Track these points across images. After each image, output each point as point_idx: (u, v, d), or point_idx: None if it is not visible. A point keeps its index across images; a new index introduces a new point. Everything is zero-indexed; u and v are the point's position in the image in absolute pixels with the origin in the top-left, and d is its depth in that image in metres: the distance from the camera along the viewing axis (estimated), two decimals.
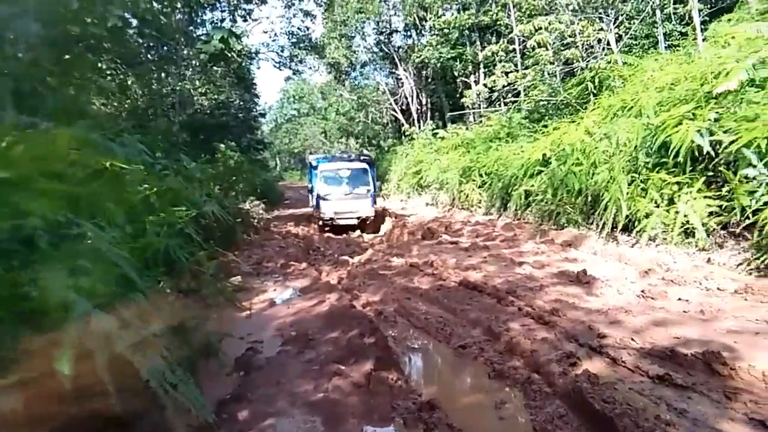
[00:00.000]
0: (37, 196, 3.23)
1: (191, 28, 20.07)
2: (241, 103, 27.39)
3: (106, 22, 8.34)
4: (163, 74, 18.18)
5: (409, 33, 33.28)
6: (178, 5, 14.81)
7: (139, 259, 4.91)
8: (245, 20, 26.45)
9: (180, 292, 5.76)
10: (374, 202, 16.37)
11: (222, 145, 17.35)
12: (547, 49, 15.42)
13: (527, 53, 18.14)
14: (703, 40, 11.88)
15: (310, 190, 18.42)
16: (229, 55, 16.12)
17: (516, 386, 4.14)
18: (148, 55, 16.39)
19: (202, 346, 4.74)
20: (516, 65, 21.03)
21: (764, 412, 3.18)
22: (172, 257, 5.56)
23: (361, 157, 18.75)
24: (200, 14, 21.96)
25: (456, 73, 28.38)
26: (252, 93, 29.72)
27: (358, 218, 15.70)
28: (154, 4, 12.53)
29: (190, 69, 20.23)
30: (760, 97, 7.07)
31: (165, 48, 17.60)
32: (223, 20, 24.52)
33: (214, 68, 20.76)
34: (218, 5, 22.98)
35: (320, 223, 16.00)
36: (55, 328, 2.55)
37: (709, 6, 15.03)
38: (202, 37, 17.54)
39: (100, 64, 10.26)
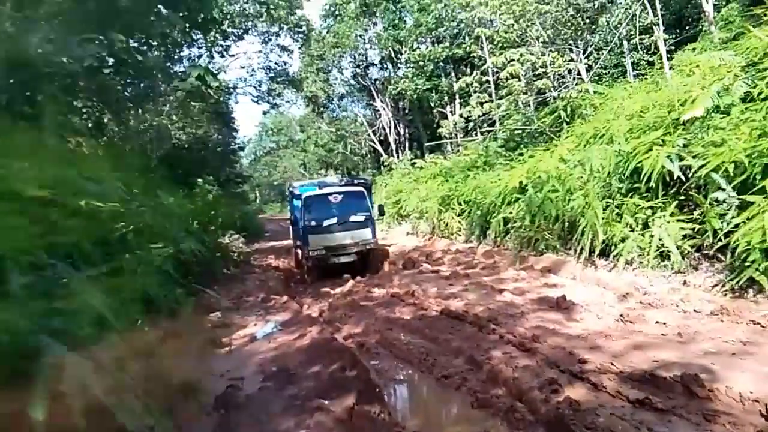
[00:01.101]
0: (9, 235, 3.19)
1: (168, 64, 20.16)
2: (220, 137, 27.43)
3: (82, 61, 8.36)
4: (140, 110, 18.17)
5: (385, 66, 33.85)
6: (154, 43, 14.88)
7: (115, 298, 4.85)
8: (222, 56, 26.77)
9: (158, 330, 5.68)
10: (375, 231, 13.11)
11: (200, 180, 17.28)
12: (520, 80, 15.77)
13: (501, 84, 18.52)
14: (670, 68, 12.28)
15: (292, 223, 15.19)
16: (206, 91, 16.17)
17: (499, 415, 4.12)
18: (125, 92, 16.39)
19: (181, 385, 4.66)
20: (490, 95, 21.44)
21: None
22: (150, 295, 5.50)
23: (356, 180, 15.19)
24: (177, 51, 22.11)
25: (432, 104, 28.86)
26: (230, 127, 29.81)
27: (357, 252, 12.54)
28: (131, 42, 12.59)
29: (168, 105, 20.24)
30: (725, 123, 7.30)
31: (142, 85, 17.62)
32: (200, 56, 24.75)
33: (192, 103, 20.82)
34: (195, 42, 23.14)
35: (309, 263, 12.84)
36: (27, 372, 2.51)
37: (674, 36, 15.57)
38: (180, 74, 17.61)
39: (75, 103, 10.24)
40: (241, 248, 15.64)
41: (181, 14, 14.86)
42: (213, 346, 6.42)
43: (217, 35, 25.12)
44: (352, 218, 12.62)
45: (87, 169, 6.88)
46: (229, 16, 25.99)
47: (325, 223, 12.45)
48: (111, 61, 12.20)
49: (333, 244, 12.40)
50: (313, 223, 12.43)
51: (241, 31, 27.94)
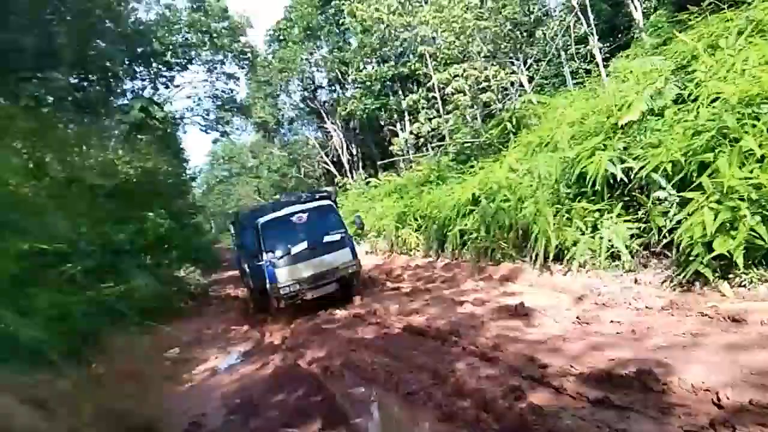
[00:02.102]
0: None
1: (111, 98, 19.78)
2: (170, 168, 26.92)
3: (17, 101, 8.14)
4: (84, 147, 17.69)
5: (333, 87, 34.06)
6: (94, 78, 14.59)
7: (64, 343, 4.69)
8: (167, 87, 26.43)
9: (112, 372, 5.52)
10: (355, 250, 11.31)
11: (151, 213, 16.89)
12: (465, 94, 16.11)
13: (447, 99, 18.86)
14: (607, 75, 12.74)
15: (241, 260, 12.88)
16: (152, 123, 15.90)
17: (466, 427, 4.15)
18: (67, 130, 15.97)
19: (139, 426, 4.52)
20: (438, 111, 21.80)
21: (697, 423, 3.33)
22: (101, 336, 5.34)
23: (317, 195, 12.74)
24: (120, 85, 21.72)
25: (382, 123, 29.15)
26: (180, 158, 29.32)
27: (339, 280, 10.58)
28: (70, 80, 12.34)
29: (113, 139, 19.79)
30: (660, 124, 7.61)
31: (85, 120, 17.21)
32: (144, 88, 24.37)
33: (138, 136, 20.43)
34: (138, 75, 22.79)
35: (280, 304, 10.81)
36: None
37: (608, 44, 16.20)
38: (123, 107, 17.30)
39: (15, 144, 9.93)
40: (198, 280, 15.37)
41: (120, 48, 14.65)
42: (172, 383, 6.26)
43: (160, 66, 24.83)
44: (326, 239, 10.63)
45: (29, 211, 6.68)
46: (171, 47, 25.74)
47: (294, 250, 10.32)
48: (50, 99, 11.92)
49: (307, 274, 10.24)
50: (278, 253, 10.31)
51: (185, 60, 27.66)
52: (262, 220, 10.81)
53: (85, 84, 14.43)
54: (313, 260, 10.34)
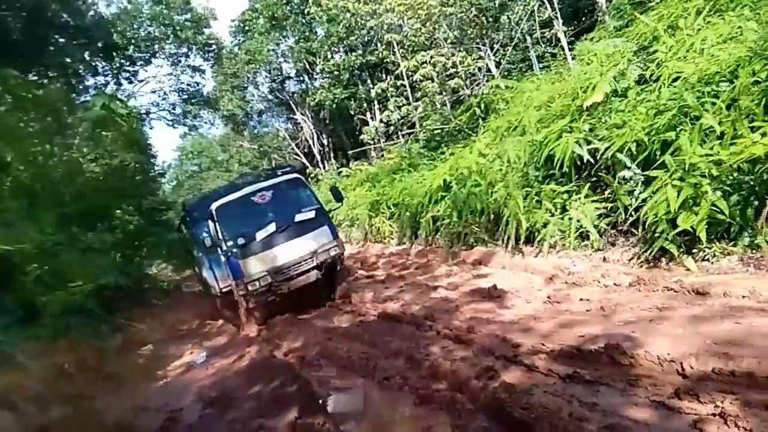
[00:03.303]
0: None
1: (74, 95, 19.31)
2: (137, 165, 26.45)
3: None
4: (47, 146, 17.27)
5: (301, 78, 33.75)
6: (53, 75, 14.21)
7: (33, 343, 4.61)
8: (131, 82, 25.91)
9: (84, 372, 5.44)
10: (335, 229, 9.80)
11: (119, 211, 16.58)
12: (433, 81, 16.14)
13: (416, 86, 18.87)
14: (573, 58, 12.87)
15: (193, 268, 11.90)
16: (116, 119, 15.55)
17: (441, 409, 4.20)
18: (28, 129, 15.54)
19: (115, 424, 4.47)
20: (407, 99, 21.81)
21: (663, 393, 3.43)
22: (71, 336, 5.26)
23: (279, 171, 10.91)
24: (82, 81, 21.21)
25: (352, 112, 29.02)
26: (148, 154, 28.76)
27: (319, 266, 9.07)
28: (29, 77, 12.01)
29: (77, 138, 19.34)
30: (623, 105, 7.75)
31: (48, 119, 16.77)
32: (107, 84, 23.83)
33: (103, 133, 20.01)
34: (100, 70, 22.27)
35: (249, 303, 9.02)
36: None
37: (572, 28, 16.34)
38: (86, 103, 16.90)
39: None
40: (170, 276, 15.18)
41: (79, 42, 14.28)
42: (146, 380, 6.20)
43: (122, 61, 24.30)
44: (298, 217, 9.07)
45: None
46: (133, 41, 25.22)
47: (260, 235, 8.82)
48: (8, 98, 11.58)
49: (280, 263, 8.77)
50: (241, 240, 8.78)
51: (148, 54, 27.14)
52: (216, 204, 9.15)
53: (44, 81, 14.03)
54: (284, 244, 8.90)
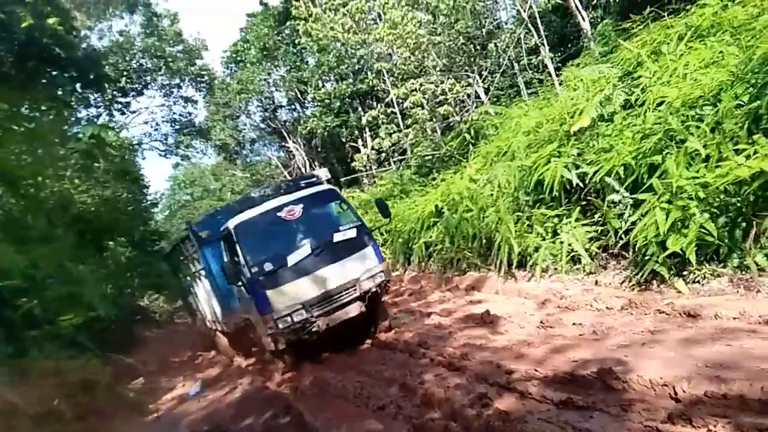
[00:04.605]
0: None
1: (65, 127, 19.37)
2: (130, 195, 26.44)
3: None
4: (38, 178, 17.27)
5: (293, 106, 34.01)
6: (44, 108, 14.25)
7: (22, 378, 4.56)
8: (123, 113, 26.01)
9: (74, 407, 5.36)
10: (379, 250, 8.15)
11: (111, 243, 16.52)
12: (424, 108, 16.32)
13: (406, 113, 19.07)
14: (560, 84, 13.07)
15: (184, 299, 10.53)
16: (106, 150, 15.55)
17: None
18: (19, 161, 15.55)
19: None
20: (398, 126, 22.00)
21: (656, 417, 3.42)
22: (61, 371, 5.21)
23: (304, 182, 8.92)
24: (74, 112, 21.27)
25: (344, 139, 29.22)
26: (140, 184, 28.79)
27: (361, 297, 7.42)
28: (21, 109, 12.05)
29: (69, 169, 19.34)
30: (610, 129, 7.86)
31: (39, 151, 16.80)
32: (99, 116, 23.91)
33: (95, 165, 20.05)
34: (92, 102, 22.37)
35: (279, 344, 7.22)
36: None
37: (559, 54, 16.63)
38: (77, 134, 16.95)
39: None
40: (162, 308, 15.08)
41: (71, 75, 14.34)
42: (138, 413, 6.13)
43: (115, 92, 24.43)
44: (337, 237, 7.50)
45: None
46: (125, 73, 25.39)
47: (291, 259, 7.20)
48: None
49: (316, 294, 7.17)
50: (268, 266, 7.15)
51: (140, 86, 27.29)
52: (235, 222, 7.52)
53: (36, 114, 14.07)
54: (322, 270, 7.26)
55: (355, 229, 7.57)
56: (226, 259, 7.46)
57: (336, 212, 8.26)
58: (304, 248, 7.25)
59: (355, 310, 7.26)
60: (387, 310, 8.19)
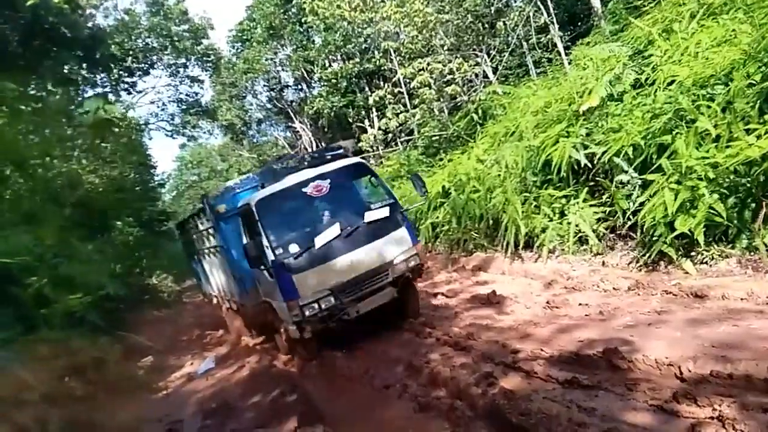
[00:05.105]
0: None
1: (72, 107, 19.40)
2: (137, 176, 26.51)
3: None
4: (47, 158, 17.34)
5: (299, 86, 33.81)
6: (51, 87, 14.25)
7: (33, 355, 4.62)
8: (129, 93, 25.98)
9: (86, 384, 5.44)
10: (414, 233, 7.53)
11: (119, 223, 16.59)
12: (431, 88, 16.16)
13: (414, 93, 18.92)
14: (569, 63, 12.91)
15: (197, 277, 10.22)
16: (111, 120, 15.51)
17: (441, 416, 4.21)
18: (27, 141, 15.60)
19: None
20: (405, 106, 21.85)
21: (661, 397, 3.43)
22: (72, 349, 5.28)
23: (330, 153, 8.01)
24: (81, 92, 21.26)
25: (350, 120, 29.07)
26: (147, 164, 28.84)
27: (393, 282, 6.83)
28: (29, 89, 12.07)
29: (76, 149, 19.40)
30: (619, 109, 7.77)
31: (46, 131, 16.85)
32: (105, 96, 23.87)
33: (103, 144, 20.09)
34: (98, 82, 22.34)
35: (304, 333, 6.47)
36: None
37: (568, 32, 16.41)
38: (83, 114, 16.97)
39: None
40: (171, 287, 15.20)
41: (77, 54, 14.30)
42: (147, 391, 6.21)
43: (121, 72, 24.37)
44: (368, 216, 6.84)
45: None
46: (131, 52, 25.27)
47: (319, 240, 6.52)
48: (6, 110, 11.64)
49: (347, 278, 6.54)
50: (294, 247, 6.53)
51: (147, 65, 27.16)
52: (256, 197, 6.86)
53: (43, 93, 14.08)
54: (353, 253, 6.61)
55: (388, 208, 6.89)
56: (244, 238, 7.00)
57: (366, 188, 7.67)
58: (333, 228, 6.56)
59: (387, 296, 6.75)
60: (418, 295, 7.64)
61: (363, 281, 6.58)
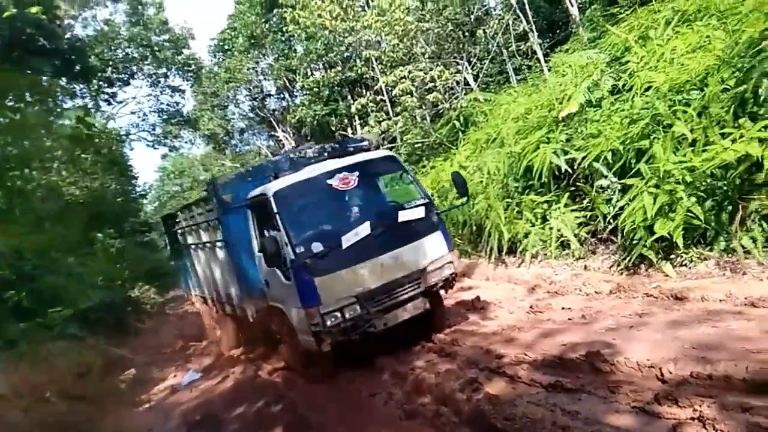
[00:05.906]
0: None
1: (52, 118, 19.18)
2: (118, 187, 26.25)
3: None
4: (26, 170, 17.12)
5: (282, 95, 33.74)
6: (30, 99, 14.09)
7: (13, 369, 4.55)
8: (110, 104, 25.78)
9: (66, 400, 5.36)
10: (449, 238, 6.58)
11: (100, 234, 16.41)
12: (413, 96, 16.24)
13: (396, 101, 19.00)
14: (548, 70, 13.06)
15: (184, 277, 9.38)
16: (92, 132, 15.37)
17: (426, 423, 4.22)
18: (5, 153, 15.38)
19: None
20: (387, 113, 21.92)
21: (643, 398, 3.47)
22: (52, 362, 5.20)
23: (354, 145, 7.09)
24: (60, 104, 21.06)
25: (333, 128, 29.07)
26: (128, 175, 28.57)
27: (425, 292, 6.04)
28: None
29: (56, 161, 19.17)
30: (598, 115, 7.90)
31: (25, 143, 16.64)
32: (85, 107, 23.66)
33: (83, 156, 19.89)
34: (78, 93, 22.14)
35: (324, 345, 5.64)
36: None
37: (547, 40, 16.61)
38: (64, 126, 16.81)
39: None
40: (154, 299, 15.05)
41: (56, 66, 14.18)
42: (129, 405, 6.12)
43: (101, 83, 24.19)
44: (402, 216, 6.04)
45: None
46: (111, 63, 25.11)
47: (347, 240, 5.65)
48: None
49: (375, 284, 5.74)
50: (317, 246, 5.69)
51: (127, 76, 27.02)
52: (275, 188, 6.01)
53: (21, 105, 13.91)
54: (383, 257, 5.81)
55: (423, 208, 6.09)
56: (253, 233, 6.34)
57: (398, 185, 6.80)
58: (363, 228, 5.69)
59: (419, 307, 5.96)
60: (444, 306, 6.80)
61: (393, 289, 5.80)
